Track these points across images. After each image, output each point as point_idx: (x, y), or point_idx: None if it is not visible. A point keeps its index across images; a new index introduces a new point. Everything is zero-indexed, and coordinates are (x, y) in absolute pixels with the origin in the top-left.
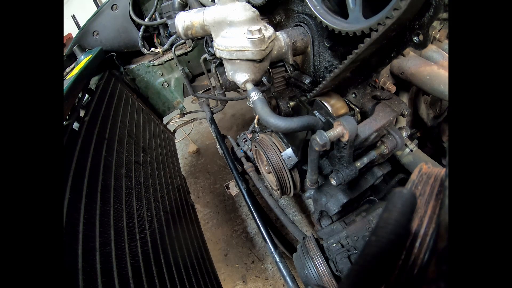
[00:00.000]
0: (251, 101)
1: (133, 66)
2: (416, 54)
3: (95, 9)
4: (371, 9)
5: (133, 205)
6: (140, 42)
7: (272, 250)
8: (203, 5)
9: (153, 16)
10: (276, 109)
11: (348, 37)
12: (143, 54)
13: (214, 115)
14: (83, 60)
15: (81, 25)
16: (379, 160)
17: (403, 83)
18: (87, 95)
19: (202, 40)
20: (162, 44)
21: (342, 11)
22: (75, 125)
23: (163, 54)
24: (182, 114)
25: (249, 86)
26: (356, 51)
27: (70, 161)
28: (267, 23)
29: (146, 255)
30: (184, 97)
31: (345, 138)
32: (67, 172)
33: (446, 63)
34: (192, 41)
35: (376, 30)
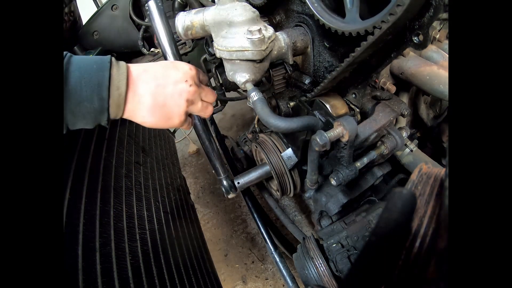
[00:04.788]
0: (251, 102)
1: None
2: (416, 54)
3: (95, 9)
4: (370, 11)
5: (133, 205)
6: (140, 43)
7: (272, 250)
8: (203, 5)
9: None
10: (276, 109)
11: (347, 37)
12: (143, 54)
13: (214, 115)
14: None
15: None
16: (379, 160)
17: (403, 83)
18: None
19: (202, 40)
20: None
21: (340, 10)
22: None
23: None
24: None
25: (249, 87)
26: (353, 54)
27: (70, 161)
28: (267, 23)
29: (146, 255)
30: None
31: (345, 138)
32: (67, 172)
33: (446, 63)
34: (192, 42)
35: (372, 33)
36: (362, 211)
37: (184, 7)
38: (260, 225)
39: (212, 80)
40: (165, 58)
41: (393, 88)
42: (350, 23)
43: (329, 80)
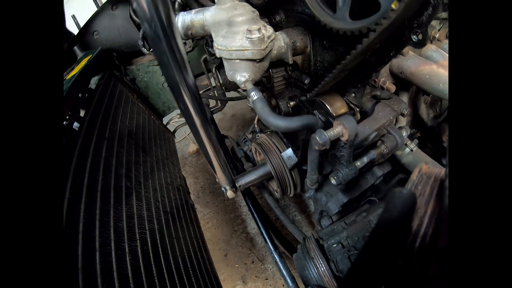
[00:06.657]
0: (251, 101)
1: (133, 66)
2: (416, 54)
3: (95, 9)
4: (363, 14)
5: (133, 205)
6: (140, 42)
7: (272, 250)
8: (202, 6)
9: None
10: (276, 109)
11: (347, 37)
12: (143, 54)
13: (214, 115)
14: (83, 60)
15: (81, 25)
16: (379, 160)
17: (403, 82)
18: (87, 95)
19: (202, 40)
20: None
21: (334, 6)
22: (75, 125)
23: None
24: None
25: (249, 86)
26: (344, 61)
27: (70, 161)
28: (267, 23)
29: (146, 255)
30: None
31: (345, 138)
32: (67, 172)
33: (446, 63)
34: (192, 41)
35: (358, 35)
36: (363, 211)
37: (184, 7)
38: (260, 225)
39: (212, 80)
40: None
41: (392, 88)
42: (340, 20)
43: (329, 79)
